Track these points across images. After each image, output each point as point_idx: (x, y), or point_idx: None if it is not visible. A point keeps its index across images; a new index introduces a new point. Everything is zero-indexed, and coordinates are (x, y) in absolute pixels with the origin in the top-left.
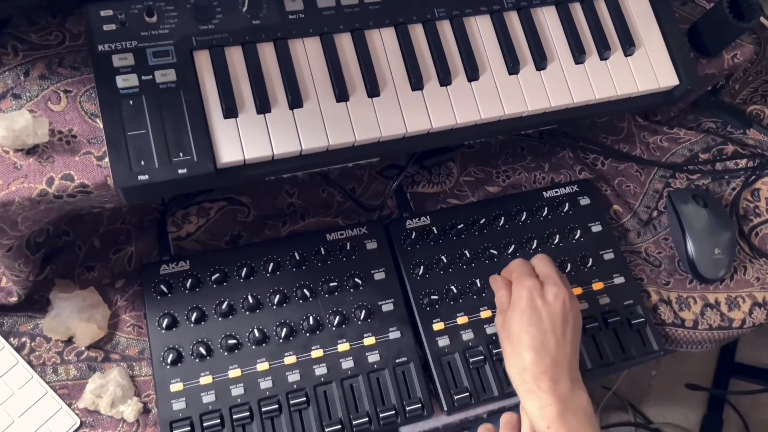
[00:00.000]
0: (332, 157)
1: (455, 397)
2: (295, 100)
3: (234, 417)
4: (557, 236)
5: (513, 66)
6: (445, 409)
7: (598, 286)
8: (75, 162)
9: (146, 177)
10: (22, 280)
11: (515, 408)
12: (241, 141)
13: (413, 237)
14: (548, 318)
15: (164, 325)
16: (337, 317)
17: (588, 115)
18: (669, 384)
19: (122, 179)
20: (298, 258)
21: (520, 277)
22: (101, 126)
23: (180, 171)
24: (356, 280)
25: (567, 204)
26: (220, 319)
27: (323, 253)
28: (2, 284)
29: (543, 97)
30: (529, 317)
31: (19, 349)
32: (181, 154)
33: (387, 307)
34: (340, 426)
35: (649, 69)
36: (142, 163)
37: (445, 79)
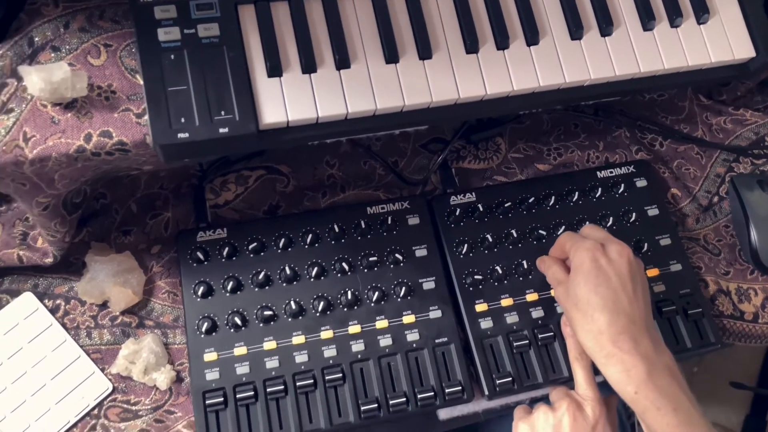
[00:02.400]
0: (379, 123)
1: (497, 382)
2: (343, 61)
3: (268, 390)
4: (610, 219)
5: (576, 31)
6: (486, 393)
7: (653, 272)
8: (114, 119)
9: (186, 135)
10: (58, 241)
11: None
12: (285, 101)
13: (457, 214)
14: (616, 276)
15: (200, 293)
16: (376, 293)
17: (655, 87)
18: (711, 382)
19: (162, 136)
20: (337, 231)
21: (577, 242)
22: (141, 82)
23: (221, 130)
24: (397, 255)
25: (622, 185)
26: (256, 289)
27: (363, 226)
28: (38, 245)
29: (607, 65)
30: (595, 278)
31: (53, 311)
32: (222, 112)
33: (428, 285)
34: (376, 404)
35: (723, 39)
36: (183, 120)
37: (502, 42)
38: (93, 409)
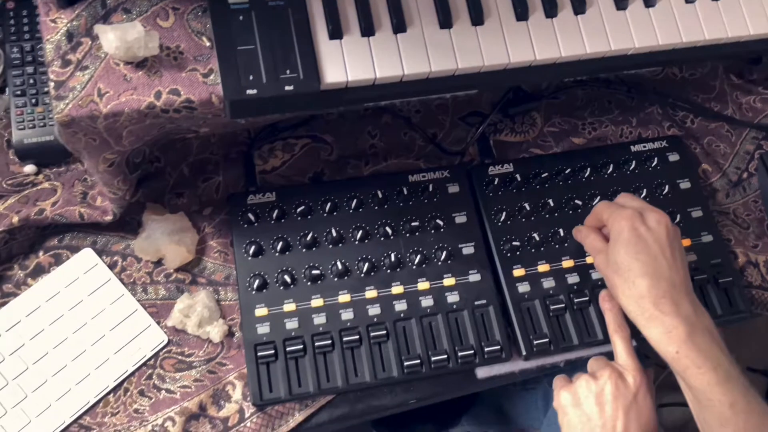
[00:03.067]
0: (432, 86)
1: (534, 342)
2: (399, 25)
3: (316, 344)
4: (644, 191)
5: (621, 1)
6: (524, 353)
7: (685, 243)
8: (181, 78)
9: (254, 91)
10: (119, 199)
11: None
12: (345, 62)
13: (495, 183)
14: (655, 243)
15: (250, 252)
16: (418, 256)
17: (694, 59)
18: None
19: (232, 92)
20: (380, 197)
21: (615, 211)
22: (207, 44)
23: (286, 88)
24: (437, 221)
25: (655, 159)
26: (303, 250)
27: (405, 193)
28: (97, 203)
29: (651, 34)
30: (635, 245)
31: (111, 267)
32: (288, 71)
33: (467, 250)
34: (419, 361)
35: (761, 12)
36: (251, 78)
37: (551, 10)
38: (149, 359)
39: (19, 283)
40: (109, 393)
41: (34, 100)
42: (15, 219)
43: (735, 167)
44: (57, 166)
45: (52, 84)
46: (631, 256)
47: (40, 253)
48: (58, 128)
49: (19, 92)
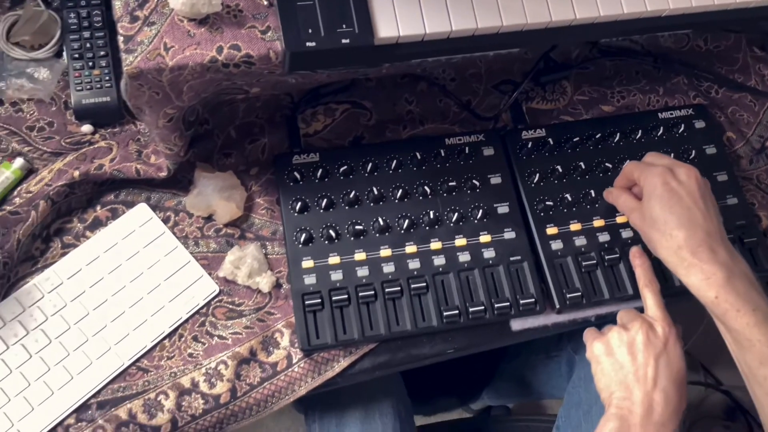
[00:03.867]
0: (477, 43)
1: (567, 296)
2: None
3: (359, 295)
4: (671, 155)
5: None
6: (557, 306)
7: None
8: (241, 34)
9: (313, 44)
10: (174, 155)
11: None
12: (396, 18)
13: (529, 147)
14: (688, 195)
15: (297, 208)
16: (455, 214)
17: (725, 21)
18: None
19: (293, 44)
20: (419, 158)
21: (645, 169)
22: (264, 3)
23: (343, 41)
24: (473, 182)
25: (682, 125)
26: (346, 207)
27: (442, 155)
28: (151, 161)
29: None
30: (669, 199)
31: (164, 222)
32: (344, 25)
33: (502, 209)
34: (457, 311)
35: None
36: (310, 31)
37: None
38: (202, 307)
39: (79, 235)
40: (164, 338)
41: (90, 63)
42: (76, 173)
43: (758, 135)
44: (112, 126)
45: (121, 39)
46: (666, 210)
47: (98, 208)
48: (126, 81)
49: (76, 56)
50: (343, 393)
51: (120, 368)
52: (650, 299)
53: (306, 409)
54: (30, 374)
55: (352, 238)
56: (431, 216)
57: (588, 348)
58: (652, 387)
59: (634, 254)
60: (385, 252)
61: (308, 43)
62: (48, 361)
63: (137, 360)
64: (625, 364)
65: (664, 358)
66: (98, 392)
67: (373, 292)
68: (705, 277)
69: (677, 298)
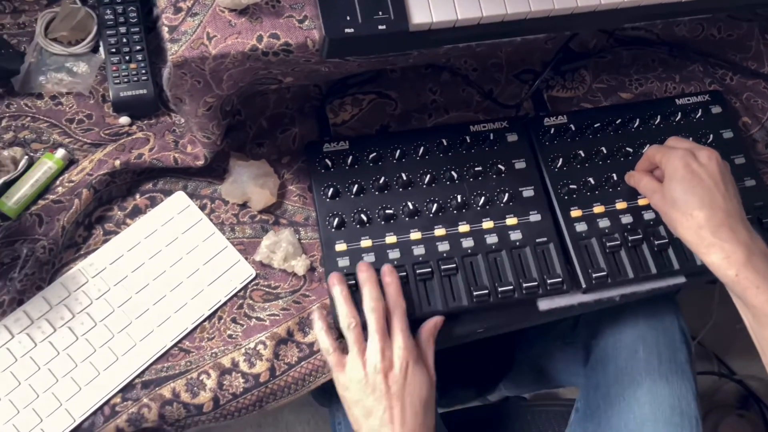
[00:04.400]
0: (505, 28)
1: (593, 276)
2: None
3: None
4: (689, 140)
5: None
6: (584, 285)
7: None
8: (280, 23)
9: (352, 30)
10: (211, 143)
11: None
12: (429, 5)
13: (551, 133)
14: (709, 177)
15: (328, 194)
16: (482, 198)
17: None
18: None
19: (332, 31)
20: (445, 145)
21: (667, 152)
22: None
23: (380, 27)
24: (499, 166)
25: (699, 111)
26: (376, 193)
27: (468, 141)
28: (188, 150)
29: None
30: (690, 180)
31: (200, 209)
32: (380, 12)
33: (527, 193)
34: (487, 291)
35: None
36: (348, 18)
37: None
38: (240, 291)
39: (119, 223)
40: (204, 320)
41: (127, 57)
42: (116, 162)
43: None
44: (148, 118)
45: (165, 29)
46: (687, 191)
47: (137, 196)
48: (169, 70)
49: (114, 50)
50: None
51: (163, 349)
52: (373, 324)
53: (332, 397)
54: (77, 355)
55: (382, 222)
56: (458, 200)
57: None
58: (399, 427)
59: (361, 268)
60: (415, 235)
61: (347, 30)
62: (94, 342)
63: (179, 341)
64: (372, 409)
65: (406, 390)
66: (142, 372)
67: (404, 274)
68: (725, 256)
69: (698, 278)
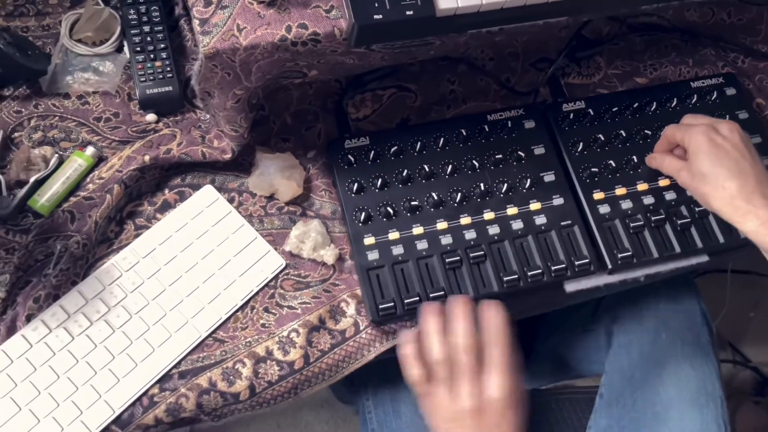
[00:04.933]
0: (528, 12)
1: (618, 257)
2: None
3: (421, 266)
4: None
5: None
6: (609, 266)
7: None
8: (307, 13)
9: (380, 16)
10: (239, 137)
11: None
12: None
13: (570, 118)
14: (733, 148)
15: (353, 189)
16: (504, 185)
17: None
18: (767, 325)
19: (361, 17)
20: (464, 135)
21: (688, 129)
22: None
23: (407, 12)
24: (519, 153)
25: (714, 93)
26: (400, 185)
27: (486, 130)
28: (215, 145)
29: None
30: (716, 154)
31: (229, 202)
32: None
33: (549, 177)
34: (516, 276)
35: None
36: (376, 5)
37: None
38: (270, 281)
39: (150, 217)
40: (237, 310)
41: (152, 56)
42: (146, 158)
43: None
44: (174, 115)
45: (196, 22)
46: (715, 164)
47: (166, 191)
48: (201, 63)
49: (138, 49)
50: (396, 369)
51: (198, 340)
52: (464, 363)
53: (359, 390)
54: (114, 348)
55: (408, 214)
56: (482, 188)
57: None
58: None
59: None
60: (442, 225)
61: (375, 16)
62: (130, 335)
63: (213, 332)
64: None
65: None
66: (179, 363)
67: (434, 263)
68: (761, 222)
69: (720, 256)
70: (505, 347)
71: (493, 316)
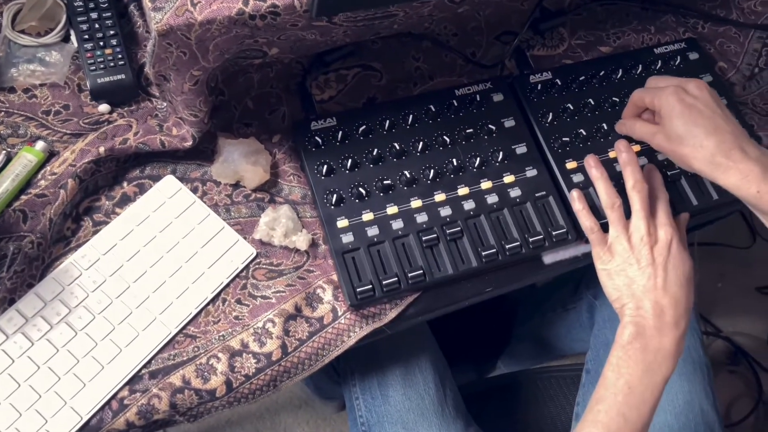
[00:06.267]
0: None
1: None
2: None
3: (398, 246)
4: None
5: None
6: (585, 234)
7: None
8: None
9: None
10: (199, 122)
11: None
12: None
13: (539, 89)
14: (705, 106)
15: (323, 171)
16: (477, 159)
17: None
18: (734, 295)
19: None
20: (433, 111)
21: (656, 92)
22: None
23: None
24: (489, 126)
25: (678, 58)
26: (371, 165)
27: (455, 105)
28: (174, 133)
29: None
30: (689, 114)
31: (192, 192)
32: None
33: (521, 150)
34: (494, 250)
35: None
36: None
37: None
38: (242, 271)
39: (108, 212)
40: (208, 304)
41: (101, 43)
42: (101, 150)
43: (747, 64)
44: (128, 105)
45: None
46: (690, 124)
47: (124, 184)
48: (154, 42)
49: (86, 37)
50: (381, 353)
51: (167, 337)
52: (638, 203)
53: (344, 376)
54: (78, 351)
55: (381, 194)
56: (454, 164)
57: (596, 259)
58: (662, 294)
59: (621, 148)
60: (416, 203)
61: None
62: (94, 336)
63: (184, 327)
64: (635, 278)
65: (670, 263)
66: (149, 362)
67: (411, 242)
68: (743, 176)
69: (717, 210)
70: (668, 199)
71: (656, 175)
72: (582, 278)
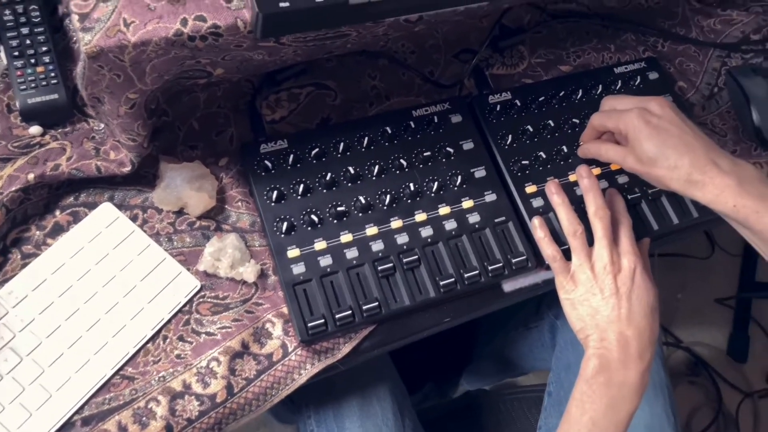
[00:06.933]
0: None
1: None
2: None
3: (352, 277)
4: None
5: None
6: (547, 263)
7: None
8: (205, 4)
9: (287, 4)
10: (137, 146)
11: None
12: None
13: (497, 110)
14: (672, 125)
15: (273, 197)
16: (435, 184)
17: None
18: (694, 306)
19: (265, 6)
20: (389, 133)
21: (620, 116)
22: None
23: (317, 0)
24: (447, 149)
25: (638, 78)
26: (324, 190)
27: (412, 127)
28: (111, 157)
29: None
30: (657, 135)
31: (132, 221)
32: None
33: (479, 173)
34: (453, 279)
35: None
36: None
37: None
38: (185, 305)
39: (39, 244)
40: (147, 342)
41: (33, 61)
42: (30, 177)
43: (706, 83)
44: (62, 126)
45: (76, 17)
46: (661, 146)
47: (57, 213)
48: (84, 64)
49: (16, 53)
50: (337, 383)
51: (102, 379)
52: (600, 231)
53: (300, 408)
54: (3, 397)
55: (335, 221)
56: (411, 188)
57: (560, 288)
58: (627, 325)
59: (582, 174)
60: (371, 230)
61: (282, 4)
62: (21, 380)
63: (120, 368)
64: (599, 308)
65: (634, 293)
66: (81, 408)
67: (366, 272)
68: (719, 191)
69: (679, 234)
70: (630, 225)
71: (618, 199)
72: (543, 298)
